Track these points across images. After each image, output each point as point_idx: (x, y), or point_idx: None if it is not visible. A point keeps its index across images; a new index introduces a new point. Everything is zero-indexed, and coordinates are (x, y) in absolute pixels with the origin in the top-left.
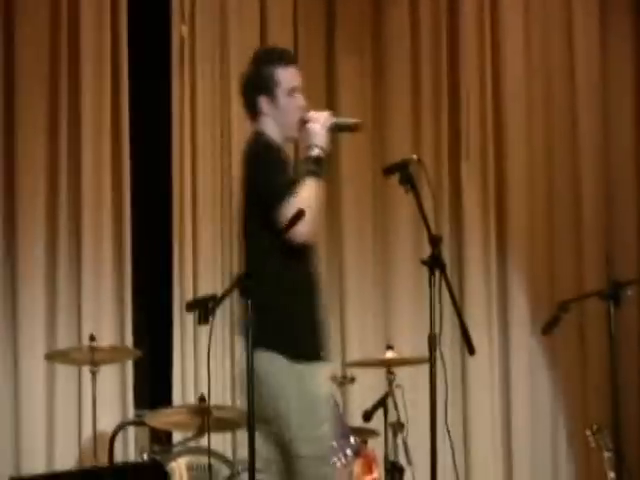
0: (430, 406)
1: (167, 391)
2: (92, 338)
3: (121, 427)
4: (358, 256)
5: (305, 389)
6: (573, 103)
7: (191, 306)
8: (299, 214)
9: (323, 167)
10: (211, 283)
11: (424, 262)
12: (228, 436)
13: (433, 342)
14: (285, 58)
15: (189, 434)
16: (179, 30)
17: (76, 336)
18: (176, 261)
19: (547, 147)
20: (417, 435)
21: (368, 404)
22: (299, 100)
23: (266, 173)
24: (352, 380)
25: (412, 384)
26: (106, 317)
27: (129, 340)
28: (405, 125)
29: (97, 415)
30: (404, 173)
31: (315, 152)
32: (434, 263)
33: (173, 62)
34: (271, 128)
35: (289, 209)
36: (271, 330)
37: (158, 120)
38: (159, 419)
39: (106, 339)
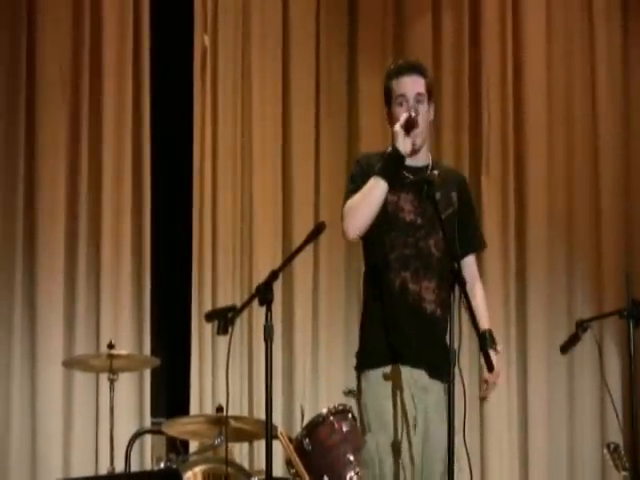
0: (448, 423)
1: (184, 400)
2: (110, 346)
3: (138, 435)
4: None
5: None
6: (595, 119)
7: (210, 316)
8: (317, 228)
9: (389, 164)
10: (230, 293)
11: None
12: (245, 446)
13: (452, 358)
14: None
15: (206, 443)
16: (201, 39)
17: (94, 344)
18: (195, 270)
19: (568, 163)
20: None
21: None
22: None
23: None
24: None
25: None
26: (125, 325)
27: (147, 348)
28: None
29: (114, 423)
30: (425, 189)
31: (388, 150)
32: (454, 279)
33: (195, 71)
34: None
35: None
36: None
37: (180, 130)
38: (176, 428)
39: (124, 347)
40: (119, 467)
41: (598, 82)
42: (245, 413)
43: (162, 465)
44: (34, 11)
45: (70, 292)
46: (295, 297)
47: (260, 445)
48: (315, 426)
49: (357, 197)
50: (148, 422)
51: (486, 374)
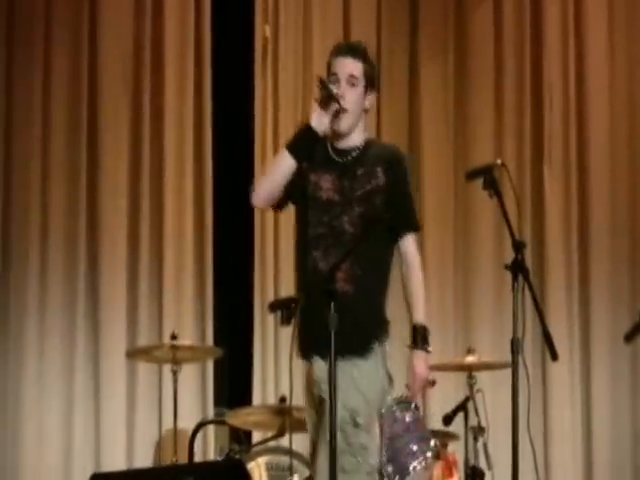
0: (512, 410)
1: (247, 391)
2: (174, 336)
3: (201, 426)
4: (439, 260)
5: None
6: None
7: (274, 307)
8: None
9: (299, 138)
10: (292, 283)
11: (507, 267)
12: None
13: (516, 346)
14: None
15: (269, 434)
16: (262, 30)
17: (157, 334)
18: (257, 261)
19: (631, 151)
20: (497, 439)
21: (448, 408)
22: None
23: None
24: (433, 383)
25: (493, 388)
26: (187, 316)
27: (210, 339)
28: (487, 128)
29: (177, 413)
30: (488, 177)
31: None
32: (517, 268)
33: (256, 62)
34: None
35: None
36: None
37: (241, 121)
38: (239, 418)
39: (187, 338)
40: (182, 458)
41: None
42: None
43: (225, 455)
44: (96, 5)
45: (133, 283)
46: None
47: None
48: (378, 417)
49: (267, 166)
50: (211, 413)
51: (409, 378)
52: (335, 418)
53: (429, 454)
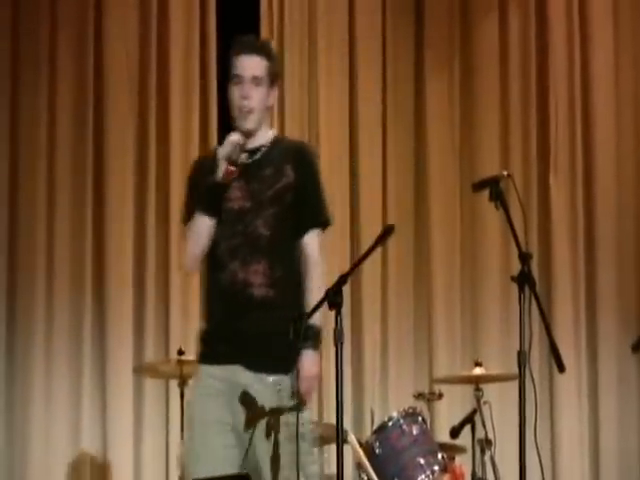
0: (519, 423)
1: None
2: (180, 352)
3: None
4: (446, 272)
5: None
6: None
7: None
8: (386, 230)
9: (211, 197)
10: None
11: (514, 279)
12: (315, 451)
13: (523, 359)
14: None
15: None
16: None
17: (164, 350)
18: None
19: (637, 162)
20: (505, 452)
21: (456, 420)
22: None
23: None
24: (440, 396)
25: (500, 401)
26: (194, 331)
27: None
28: (494, 141)
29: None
30: (494, 189)
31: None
32: (524, 280)
33: None
34: None
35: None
36: None
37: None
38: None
39: (194, 353)
40: None
41: None
42: (314, 417)
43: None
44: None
45: (140, 299)
46: (363, 299)
47: (330, 449)
48: (385, 429)
49: (189, 235)
50: None
51: (302, 377)
52: (342, 417)
53: (436, 467)
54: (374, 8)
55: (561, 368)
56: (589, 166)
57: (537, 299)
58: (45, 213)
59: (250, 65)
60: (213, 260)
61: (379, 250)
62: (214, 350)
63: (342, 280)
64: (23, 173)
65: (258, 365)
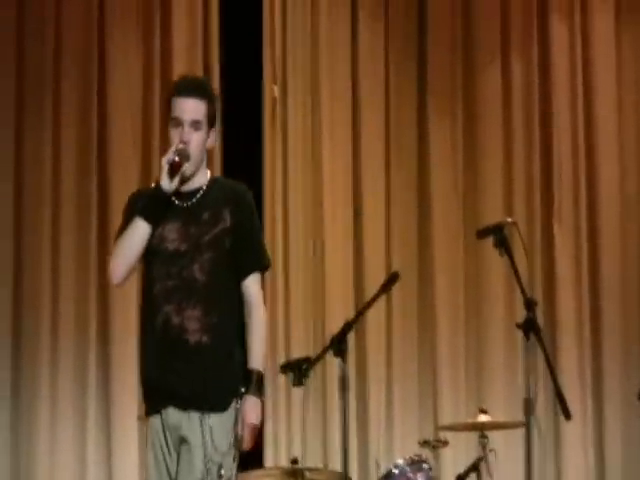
0: (525, 470)
1: (259, 452)
2: None
3: None
4: (450, 317)
5: None
6: None
7: (285, 368)
8: (391, 278)
9: (151, 203)
10: (303, 343)
11: (519, 325)
12: None
13: (528, 406)
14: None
15: None
16: (270, 90)
17: None
18: (268, 322)
19: None
20: None
21: (461, 468)
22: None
23: None
24: (445, 443)
25: (505, 448)
26: None
27: None
28: (497, 187)
29: None
30: (499, 236)
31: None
32: (529, 327)
33: (265, 122)
34: None
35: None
36: None
37: (250, 179)
38: None
39: None
40: None
41: None
42: (319, 464)
43: None
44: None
45: None
46: (368, 346)
47: None
48: (391, 477)
49: (121, 240)
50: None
51: (240, 425)
52: (347, 465)
53: None
54: (377, 55)
55: (567, 416)
56: (593, 213)
57: (543, 345)
58: (50, 255)
59: (189, 108)
60: (148, 300)
61: (383, 299)
62: (151, 399)
63: (347, 327)
64: (28, 214)
65: (188, 403)
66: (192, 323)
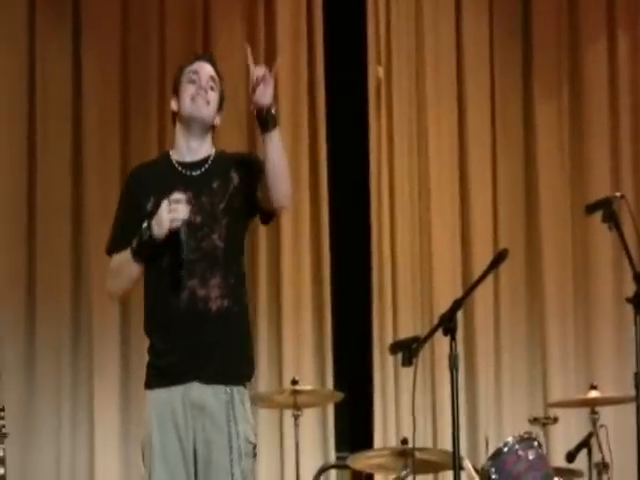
0: (637, 446)
1: (368, 433)
2: (294, 382)
3: (323, 470)
4: (559, 295)
5: None
6: None
7: (395, 348)
8: (499, 255)
9: (143, 248)
10: (410, 323)
11: (629, 300)
12: (430, 478)
13: (639, 380)
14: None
15: (391, 477)
16: (375, 72)
17: (277, 380)
18: (375, 302)
19: None
20: (623, 476)
21: (571, 444)
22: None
23: None
24: (555, 420)
25: (616, 423)
26: (307, 360)
27: (330, 382)
28: (604, 166)
29: (299, 458)
30: (607, 210)
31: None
32: (639, 301)
33: (370, 104)
34: None
35: None
36: None
37: (356, 164)
38: (361, 462)
39: (307, 382)
40: None
41: None
42: (429, 444)
43: None
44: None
45: (253, 330)
46: (476, 323)
47: (445, 476)
48: (501, 455)
49: (115, 265)
50: (333, 457)
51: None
52: (458, 443)
53: None
54: (481, 35)
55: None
56: None
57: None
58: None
59: (208, 69)
60: (163, 278)
61: (491, 277)
62: (166, 371)
63: (456, 306)
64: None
65: (215, 378)
66: (214, 291)
